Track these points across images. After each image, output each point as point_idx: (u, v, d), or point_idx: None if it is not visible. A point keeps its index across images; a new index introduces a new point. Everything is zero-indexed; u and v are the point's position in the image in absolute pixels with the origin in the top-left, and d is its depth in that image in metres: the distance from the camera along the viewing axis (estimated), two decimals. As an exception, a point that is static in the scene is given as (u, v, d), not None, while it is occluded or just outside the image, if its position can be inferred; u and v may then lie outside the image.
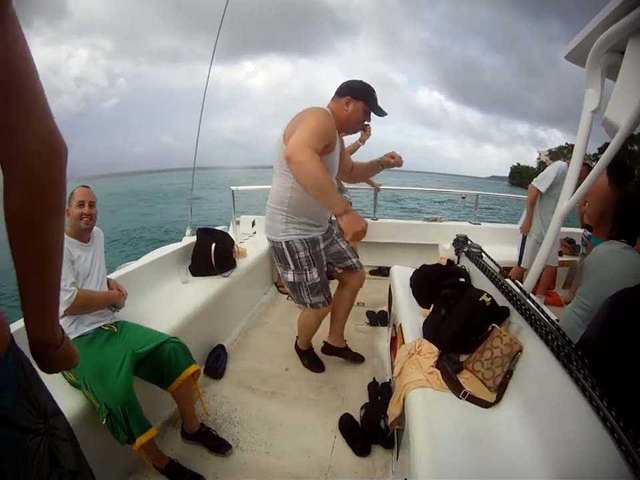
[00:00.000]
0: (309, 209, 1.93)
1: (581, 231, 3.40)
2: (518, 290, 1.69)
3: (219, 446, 1.74)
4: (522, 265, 3.28)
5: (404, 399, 1.42)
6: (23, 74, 0.47)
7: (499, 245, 3.53)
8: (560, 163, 3.18)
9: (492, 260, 2.17)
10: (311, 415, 1.98)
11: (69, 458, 0.72)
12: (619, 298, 1.24)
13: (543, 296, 3.14)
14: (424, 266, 2.44)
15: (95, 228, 1.78)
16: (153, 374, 1.64)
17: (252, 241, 3.65)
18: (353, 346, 2.62)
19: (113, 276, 2.14)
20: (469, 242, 2.52)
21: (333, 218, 1.92)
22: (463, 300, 1.72)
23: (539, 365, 1.31)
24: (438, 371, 1.47)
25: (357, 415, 1.93)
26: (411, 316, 1.99)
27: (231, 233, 3.61)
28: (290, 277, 2.02)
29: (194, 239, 2.84)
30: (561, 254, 3.54)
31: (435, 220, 4.15)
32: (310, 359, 2.41)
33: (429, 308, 2.01)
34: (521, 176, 69.33)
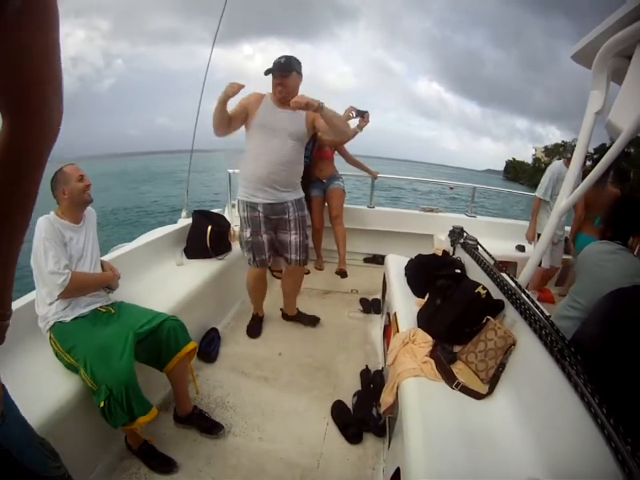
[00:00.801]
0: (246, 174, 2.23)
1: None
2: (513, 284, 1.70)
3: (212, 427, 1.75)
4: (543, 265, 3.23)
5: (397, 387, 1.43)
6: (58, 64, 0.53)
7: (494, 239, 3.52)
8: (555, 166, 3.26)
9: (487, 253, 2.17)
10: (304, 400, 1.99)
11: None
12: (615, 297, 1.25)
13: (536, 292, 3.16)
14: (420, 255, 2.45)
15: (88, 208, 1.74)
16: (150, 354, 1.63)
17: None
18: (347, 332, 2.66)
19: (106, 258, 2.10)
20: (464, 234, 2.52)
21: (288, 215, 2.25)
22: (458, 291, 1.72)
23: (531, 358, 1.32)
24: (432, 361, 1.48)
25: (349, 402, 1.95)
26: (405, 305, 2.00)
27: (226, 215, 3.58)
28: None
29: (189, 220, 2.81)
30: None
31: (432, 210, 4.13)
32: (249, 323, 2.63)
33: (423, 297, 2.02)
34: (515, 171, 69.25)
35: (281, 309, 2.79)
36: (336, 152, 3.62)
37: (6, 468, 0.70)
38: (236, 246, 2.80)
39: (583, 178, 1.58)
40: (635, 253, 1.64)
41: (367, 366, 2.19)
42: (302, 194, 2.36)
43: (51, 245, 1.50)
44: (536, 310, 1.42)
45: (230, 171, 3.48)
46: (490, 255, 2.14)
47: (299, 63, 2.12)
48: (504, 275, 1.81)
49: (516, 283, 1.69)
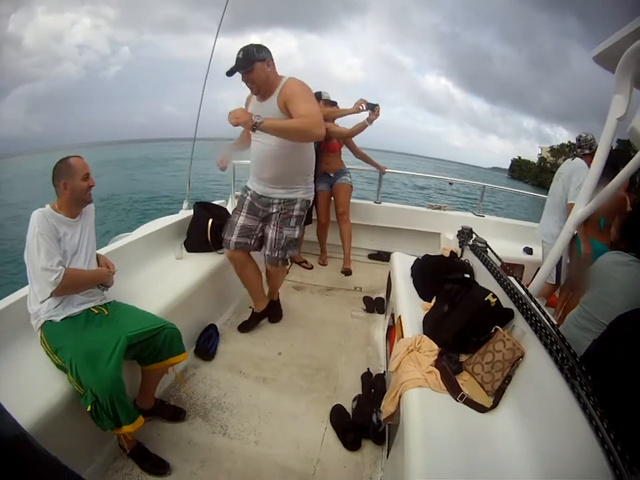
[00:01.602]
0: (251, 166, 2.24)
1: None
2: (523, 292, 1.63)
3: (175, 414, 1.77)
4: (548, 281, 2.96)
5: (400, 397, 1.39)
6: None
7: (501, 240, 3.44)
8: (584, 167, 2.71)
9: (497, 257, 2.10)
10: (302, 403, 1.94)
11: None
12: (634, 319, 1.19)
13: (544, 299, 3.04)
14: (427, 256, 2.37)
15: None
16: (137, 354, 1.58)
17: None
18: (349, 332, 2.60)
19: (104, 250, 2.07)
20: (473, 235, 2.44)
21: (272, 209, 2.18)
22: (467, 297, 1.65)
23: (539, 374, 1.27)
24: (437, 371, 1.43)
25: (348, 406, 1.90)
26: (410, 308, 1.94)
27: (229, 207, 3.52)
28: None
29: (190, 212, 2.74)
30: None
31: (439, 208, 4.04)
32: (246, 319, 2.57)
33: (430, 301, 1.96)
34: (520, 169, 68.20)
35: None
36: (344, 145, 3.51)
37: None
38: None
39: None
40: None
41: (368, 369, 2.14)
42: (298, 194, 2.20)
43: (44, 241, 1.45)
44: (547, 322, 1.36)
45: (234, 161, 3.40)
46: (499, 259, 2.07)
47: (260, 50, 1.91)
48: (514, 281, 1.74)
49: (526, 291, 1.62)
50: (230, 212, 3.12)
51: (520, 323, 1.50)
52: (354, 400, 1.92)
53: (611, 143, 1.52)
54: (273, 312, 2.64)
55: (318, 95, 3.08)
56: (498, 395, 1.35)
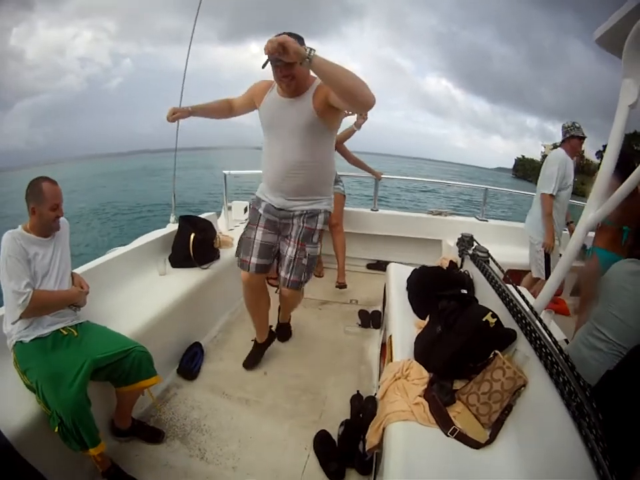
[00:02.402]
0: (262, 176, 1.95)
1: (592, 234, 3.08)
2: (527, 309, 1.47)
3: (153, 436, 1.71)
4: (535, 275, 3.02)
5: (384, 430, 1.25)
6: None
7: (506, 245, 3.31)
8: (559, 155, 2.86)
9: (500, 268, 1.94)
10: (285, 428, 1.82)
11: None
12: None
13: (552, 311, 2.87)
14: (423, 268, 2.22)
15: (61, 219, 1.64)
16: (108, 376, 1.53)
17: (243, 228, 3.43)
18: (342, 350, 2.47)
19: (87, 266, 2.03)
20: (474, 243, 2.29)
21: (292, 222, 1.88)
22: (463, 317, 1.49)
23: (543, 407, 1.13)
24: (426, 403, 1.28)
25: (334, 432, 1.76)
26: (403, 327, 1.80)
27: (222, 219, 3.41)
28: None
29: (177, 226, 2.62)
30: None
31: (440, 214, 3.88)
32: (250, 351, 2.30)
33: (424, 319, 1.82)
34: (524, 168, 67.49)
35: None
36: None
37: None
38: (224, 254, 2.63)
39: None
40: None
41: (358, 391, 1.99)
42: (321, 206, 1.90)
43: (12, 263, 1.45)
44: (554, 347, 1.20)
45: (225, 172, 3.29)
46: (502, 270, 1.92)
47: (301, 40, 1.56)
48: (517, 296, 1.59)
49: (531, 308, 1.46)
50: (218, 225, 3.01)
51: (523, 346, 1.35)
52: (341, 425, 1.78)
53: (623, 135, 1.34)
54: (282, 333, 2.49)
55: None
56: (495, 428, 1.21)
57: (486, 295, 1.81)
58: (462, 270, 2.26)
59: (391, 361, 1.56)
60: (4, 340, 1.48)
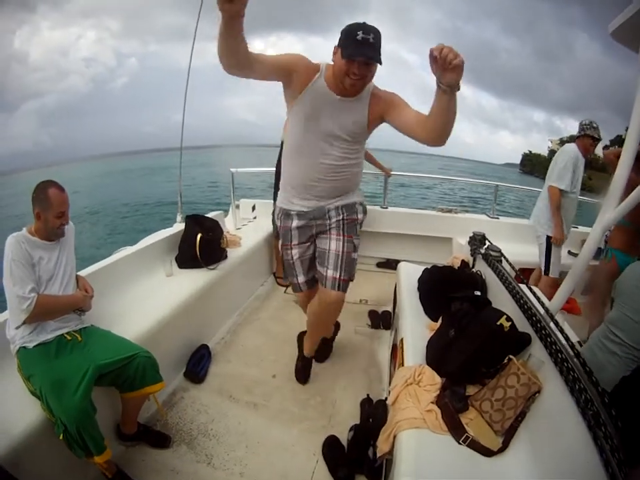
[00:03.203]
0: (285, 178, 1.77)
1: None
2: (542, 311, 1.41)
3: (160, 441, 1.69)
4: (551, 274, 2.91)
5: (394, 437, 1.22)
6: None
7: (518, 243, 3.24)
8: (571, 150, 2.78)
9: (513, 267, 1.89)
10: (294, 433, 1.78)
11: None
12: None
13: (564, 311, 2.79)
14: (435, 267, 2.16)
15: None
16: (113, 382, 1.51)
17: (252, 227, 3.41)
18: (351, 352, 2.42)
19: (92, 267, 2.02)
20: (486, 242, 2.23)
21: (331, 218, 1.72)
22: (477, 321, 1.44)
23: (558, 415, 1.09)
24: (438, 410, 1.24)
25: (344, 437, 1.72)
26: (414, 329, 1.75)
27: (229, 217, 3.39)
28: None
29: (183, 226, 2.60)
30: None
31: (450, 211, 3.81)
32: (297, 364, 2.17)
33: (436, 320, 1.77)
34: (531, 164, 66.69)
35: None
36: None
37: None
38: (231, 254, 2.59)
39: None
40: None
41: (368, 395, 1.95)
42: (355, 198, 1.78)
43: (17, 267, 1.42)
44: (570, 351, 1.15)
45: (232, 170, 3.26)
46: (515, 270, 1.86)
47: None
48: (532, 297, 1.53)
49: (547, 310, 1.40)
50: (226, 224, 2.99)
51: (538, 351, 1.31)
52: (350, 430, 1.74)
53: None
54: (323, 352, 2.25)
55: None
56: (508, 435, 1.18)
57: (499, 296, 1.76)
58: (474, 270, 2.20)
59: (402, 365, 1.52)
60: (8, 344, 1.46)
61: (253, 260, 3.00)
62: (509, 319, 1.38)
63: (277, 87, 1.60)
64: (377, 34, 1.38)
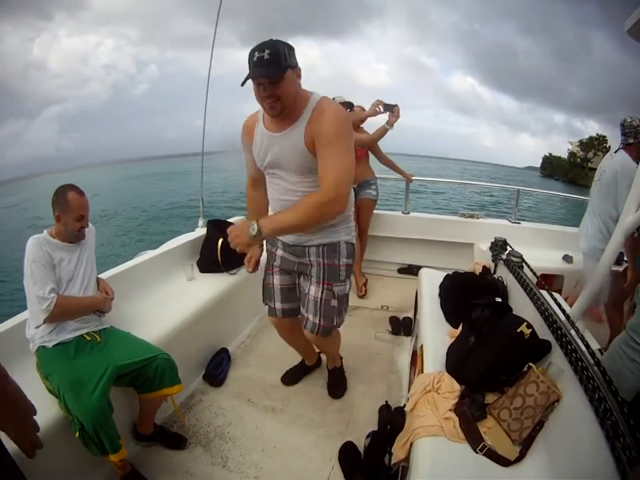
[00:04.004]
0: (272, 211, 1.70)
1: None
2: (563, 318, 1.37)
3: (177, 442, 1.71)
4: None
5: (411, 445, 1.21)
6: None
7: (540, 248, 3.17)
8: (631, 164, 2.23)
9: (534, 273, 1.84)
10: (310, 438, 1.78)
11: None
12: None
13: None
14: (456, 274, 2.13)
15: None
16: (131, 383, 1.55)
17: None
18: (371, 358, 2.41)
19: (114, 270, 2.07)
20: (508, 248, 2.18)
21: (310, 258, 1.63)
22: (497, 328, 1.42)
23: (576, 424, 1.07)
24: (456, 418, 1.22)
25: (361, 444, 1.71)
26: (435, 336, 1.73)
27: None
28: None
29: (205, 230, 2.66)
30: None
31: (472, 216, 3.75)
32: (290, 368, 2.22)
33: (457, 327, 1.75)
34: (552, 167, 64.64)
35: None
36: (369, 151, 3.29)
37: None
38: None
39: None
40: None
41: (386, 402, 1.93)
42: (340, 237, 1.63)
43: (37, 268, 1.46)
44: (591, 359, 1.12)
45: None
46: (536, 276, 1.82)
47: (291, 51, 1.33)
48: (553, 304, 1.49)
49: (567, 317, 1.36)
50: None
51: (557, 359, 1.27)
52: (367, 437, 1.72)
53: None
54: (334, 383, 2.10)
55: None
56: (526, 444, 1.15)
57: (520, 303, 1.72)
58: (495, 276, 2.15)
59: (422, 371, 1.51)
60: (28, 343, 1.51)
61: None
62: (529, 325, 1.36)
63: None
64: (273, 48, 1.27)
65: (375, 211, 3.42)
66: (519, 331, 1.34)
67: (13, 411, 0.75)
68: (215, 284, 2.31)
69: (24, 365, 1.49)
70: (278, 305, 1.79)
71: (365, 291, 3.28)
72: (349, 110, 3.01)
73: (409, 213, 3.79)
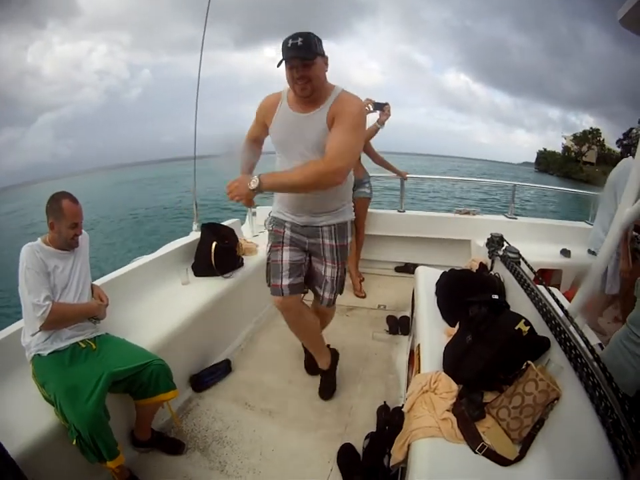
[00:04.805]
0: (280, 195, 1.82)
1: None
2: (562, 314, 1.36)
3: (175, 447, 1.70)
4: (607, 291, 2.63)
5: (409, 446, 1.19)
6: None
7: (537, 243, 3.18)
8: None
9: (531, 269, 1.83)
10: (309, 441, 1.76)
11: None
12: None
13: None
14: (452, 271, 2.12)
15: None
16: (127, 389, 1.54)
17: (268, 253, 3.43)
18: (369, 358, 2.39)
19: (109, 276, 2.06)
20: (504, 243, 2.17)
21: (323, 240, 1.77)
22: (495, 326, 1.40)
23: (577, 422, 1.06)
24: (454, 418, 1.21)
25: (359, 445, 1.69)
26: (432, 335, 1.71)
27: (246, 225, 3.41)
28: None
29: (199, 234, 2.63)
30: None
31: (468, 213, 3.74)
32: (305, 357, 2.26)
33: (454, 325, 1.73)
34: (546, 162, 64.73)
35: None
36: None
37: None
38: (247, 261, 2.61)
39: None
40: None
41: (385, 402, 1.91)
42: (347, 217, 1.80)
43: (31, 276, 1.46)
44: (590, 356, 1.10)
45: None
46: (534, 272, 1.81)
47: (320, 42, 1.52)
48: (551, 299, 1.48)
49: (566, 313, 1.35)
50: (242, 232, 3.01)
51: (556, 356, 1.26)
52: (366, 438, 1.70)
53: None
54: (326, 388, 2.08)
55: None
56: (526, 444, 1.14)
57: (518, 299, 1.71)
58: (492, 272, 2.14)
59: (419, 371, 1.49)
60: (24, 351, 1.50)
61: None
62: (527, 323, 1.35)
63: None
64: (305, 37, 1.46)
65: (370, 210, 3.41)
66: (516, 328, 1.33)
67: None
68: (210, 288, 2.28)
69: (21, 373, 1.49)
70: (285, 282, 1.76)
71: (362, 290, 3.28)
72: None
73: (404, 211, 3.78)
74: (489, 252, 2.26)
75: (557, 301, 1.45)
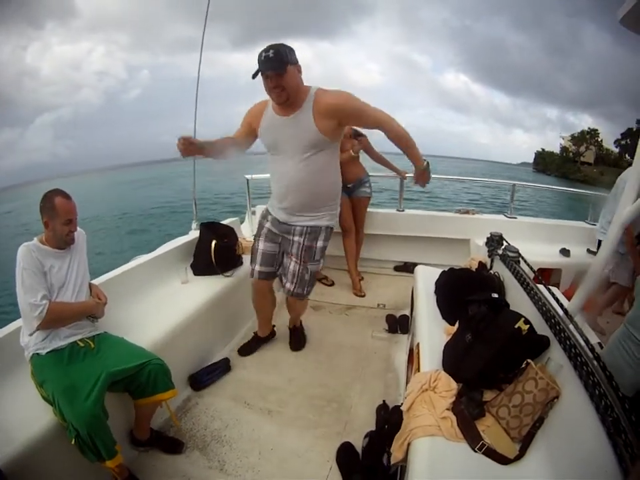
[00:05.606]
0: (272, 189, 2.04)
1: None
2: (561, 312, 1.36)
3: (173, 446, 1.70)
4: (612, 279, 2.72)
5: (409, 445, 1.19)
6: None
7: (536, 242, 3.19)
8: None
9: (531, 268, 1.83)
10: (308, 439, 1.76)
11: None
12: None
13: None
14: (452, 270, 2.11)
15: (78, 229, 1.64)
16: (125, 388, 1.54)
17: None
18: (368, 357, 2.40)
19: (107, 275, 2.05)
20: (504, 243, 2.16)
21: (294, 237, 1.98)
22: (494, 325, 1.40)
23: (577, 421, 1.05)
24: (453, 417, 1.21)
25: (359, 444, 1.69)
26: (431, 334, 1.71)
27: (246, 224, 3.41)
28: None
29: (198, 233, 2.63)
30: None
31: (467, 212, 3.74)
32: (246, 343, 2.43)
33: (453, 324, 1.72)
34: (544, 162, 64.87)
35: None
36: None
37: None
38: (247, 260, 2.59)
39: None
40: None
41: (384, 401, 1.91)
42: (322, 222, 1.98)
43: (28, 276, 1.45)
44: (589, 355, 1.10)
45: (247, 176, 3.29)
46: (533, 271, 1.81)
47: (291, 51, 1.68)
48: (551, 298, 1.47)
49: (566, 312, 1.35)
50: (243, 232, 3.01)
51: (556, 355, 1.26)
52: (365, 437, 1.70)
53: None
54: (296, 339, 2.46)
55: None
56: (525, 442, 1.13)
57: (517, 298, 1.71)
58: (492, 271, 2.14)
59: (419, 370, 1.48)
60: (22, 351, 1.49)
61: None
62: (527, 321, 1.34)
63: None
64: (276, 49, 1.62)
65: (369, 209, 3.41)
66: (516, 327, 1.32)
67: None
68: (209, 286, 2.29)
69: (20, 372, 1.49)
70: (257, 268, 2.11)
71: (361, 289, 3.28)
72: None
73: (403, 211, 3.77)
74: (488, 251, 2.26)
75: (557, 300, 1.45)
